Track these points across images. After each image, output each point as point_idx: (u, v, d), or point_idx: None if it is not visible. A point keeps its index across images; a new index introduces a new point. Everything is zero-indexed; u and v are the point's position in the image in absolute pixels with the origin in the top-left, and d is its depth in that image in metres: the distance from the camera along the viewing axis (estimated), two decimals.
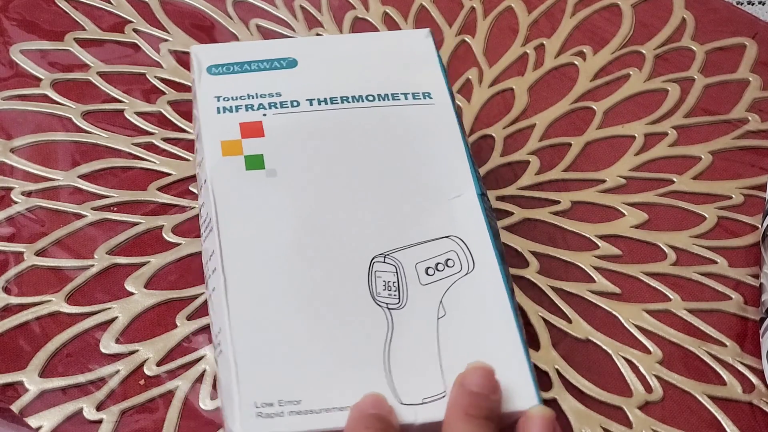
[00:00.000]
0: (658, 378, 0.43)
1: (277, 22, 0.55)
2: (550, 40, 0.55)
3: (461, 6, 0.56)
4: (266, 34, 0.54)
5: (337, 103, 0.42)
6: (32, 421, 0.40)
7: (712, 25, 0.56)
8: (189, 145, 0.49)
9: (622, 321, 0.45)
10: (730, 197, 0.49)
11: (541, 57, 0.54)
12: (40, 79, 0.51)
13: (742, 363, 0.44)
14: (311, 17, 0.55)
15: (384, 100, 0.43)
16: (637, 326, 0.45)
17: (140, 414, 0.41)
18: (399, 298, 0.38)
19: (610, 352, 0.44)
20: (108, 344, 0.43)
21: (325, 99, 0.42)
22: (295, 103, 0.42)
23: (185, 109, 0.51)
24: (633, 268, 0.46)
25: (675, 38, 0.55)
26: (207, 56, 0.44)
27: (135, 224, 0.46)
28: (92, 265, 0.45)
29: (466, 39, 0.55)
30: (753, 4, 0.58)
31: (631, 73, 0.54)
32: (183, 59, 0.53)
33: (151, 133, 0.50)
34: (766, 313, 0.44)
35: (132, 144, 0.49)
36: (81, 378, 0.42)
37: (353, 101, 0.42)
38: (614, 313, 0.45)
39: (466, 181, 0.41)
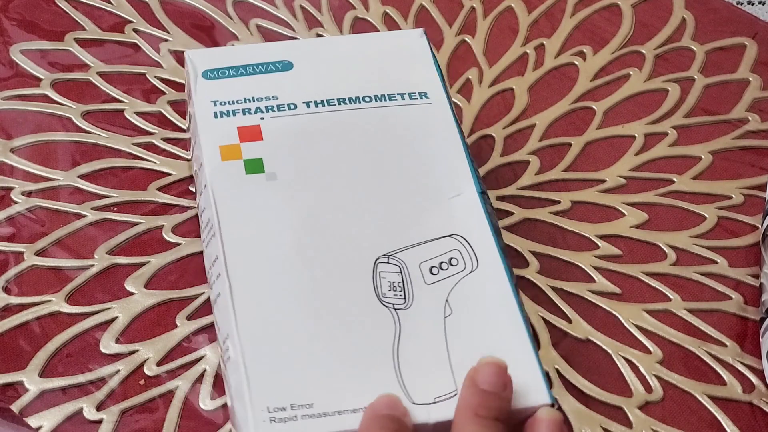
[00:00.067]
0: (658, 378, 0.43)
1: (277, 22, 0.55)
2: (550, 40, 0.55)
3: (461, 6, 0.56)
4: (266, 34, 0.54)
5: (334, 104, 0.42)
6: (32, 421, 0.40)
7: (712, 25, 0.56)
8: (189, 146, 0.49)
9: (622, 321, 0.45)
10: (730, 197, 0.49)
11: (541, 57, 0.54)
12: (40, 79, 0.51)
13: (742, 363, 0.44)
14: (311, 17, 0.55)
15: (381, 100, 0.43)
16: (637, 326, 0.45)
17: (140, 414, 0.41)
18: (405, 298, 0.38)
19: (610, 352, 0.44)
20: (108, 344, 0.43)
21: (322, 101, 0.42)
22: (292, 106, 0.42)
23: (185, 109, 0.50)
24: (633, 268, 0.46)
25: (675, 38, 0.55)
26: (202, 60, 0.43)
27: (135, 224, 0.46)
28: (92, 265, 0.45)
29: (466, 39, 0.55)
30: (753, 4, 0.58)
31: (631, 73, 0.54)
32: (183, 59, 0.52)
33: (151, 133, 0.50)
34: (766, 313, 0.44)
35: (132, 144, 0.49)
36: (81, 378, 0.42)
37: (350, 103, 0.42)
38: (614, 313, 0.45)
39: (465, 180, 0.41)
